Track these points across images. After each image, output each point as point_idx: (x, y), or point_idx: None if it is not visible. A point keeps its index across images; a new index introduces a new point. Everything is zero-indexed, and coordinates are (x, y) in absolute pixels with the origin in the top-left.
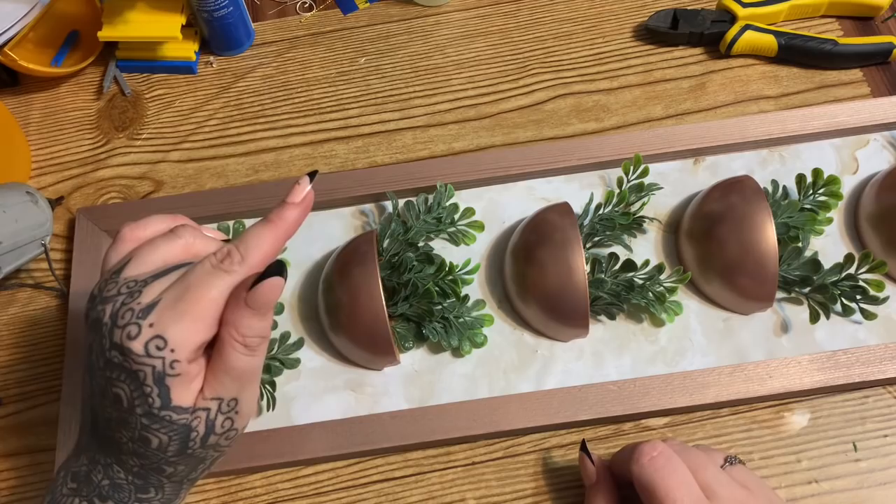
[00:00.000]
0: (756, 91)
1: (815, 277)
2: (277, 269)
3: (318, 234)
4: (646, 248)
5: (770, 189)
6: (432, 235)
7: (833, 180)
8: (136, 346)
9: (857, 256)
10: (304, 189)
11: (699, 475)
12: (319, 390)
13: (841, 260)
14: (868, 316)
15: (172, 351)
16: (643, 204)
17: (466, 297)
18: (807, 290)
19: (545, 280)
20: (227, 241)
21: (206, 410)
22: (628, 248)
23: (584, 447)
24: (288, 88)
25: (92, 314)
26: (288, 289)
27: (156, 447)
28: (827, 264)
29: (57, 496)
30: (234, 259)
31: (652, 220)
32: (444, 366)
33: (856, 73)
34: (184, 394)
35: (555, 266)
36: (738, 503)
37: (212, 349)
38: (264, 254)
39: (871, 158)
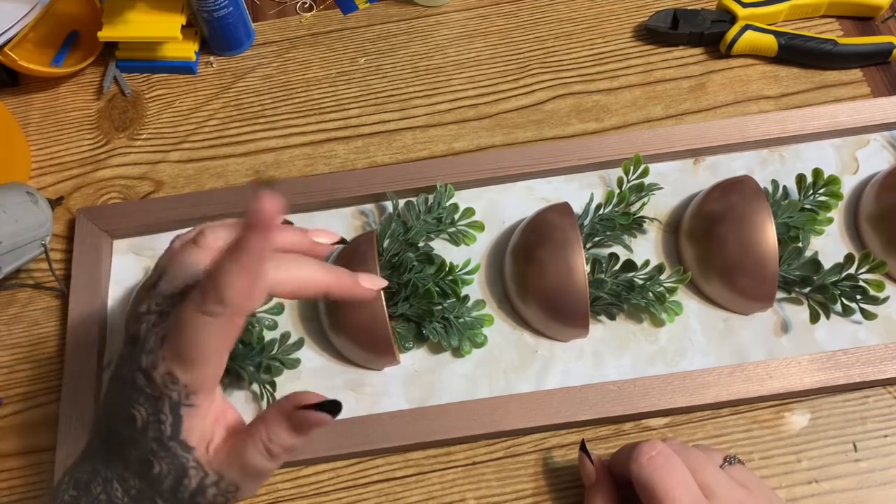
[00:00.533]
0: (756, 91)
1: (815, 277)
2: (331, 407)
3: None
4: (646, 248)
5: (770, 189)
6: (432, 235)
7: (833, 180)
8: (157, 375)
9: (857, 256)
10: (261, 206)
11: (698, 475)
12: (319, 390)
13: (841, 260)
14: (868, 316)
15: (185, 386)
16: (643, 204)
17: (466, 297)
18: (807, 290)
19: (545, 280)
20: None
21: (204, 474)
22: (628, 248)
23: (583, 447)
24: (288, 88)
25: (130, 328)
26: None
27: (156, 474)
28: (827, 264)
29: (58, 502)
30: (210, 300)
31: (652, 220)
32: (444, 366)
33: (856, 73)
34: (193, 431)
35: (555, 266)
36: (737, 503)
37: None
38: (241, 291)
39: (871, 158)
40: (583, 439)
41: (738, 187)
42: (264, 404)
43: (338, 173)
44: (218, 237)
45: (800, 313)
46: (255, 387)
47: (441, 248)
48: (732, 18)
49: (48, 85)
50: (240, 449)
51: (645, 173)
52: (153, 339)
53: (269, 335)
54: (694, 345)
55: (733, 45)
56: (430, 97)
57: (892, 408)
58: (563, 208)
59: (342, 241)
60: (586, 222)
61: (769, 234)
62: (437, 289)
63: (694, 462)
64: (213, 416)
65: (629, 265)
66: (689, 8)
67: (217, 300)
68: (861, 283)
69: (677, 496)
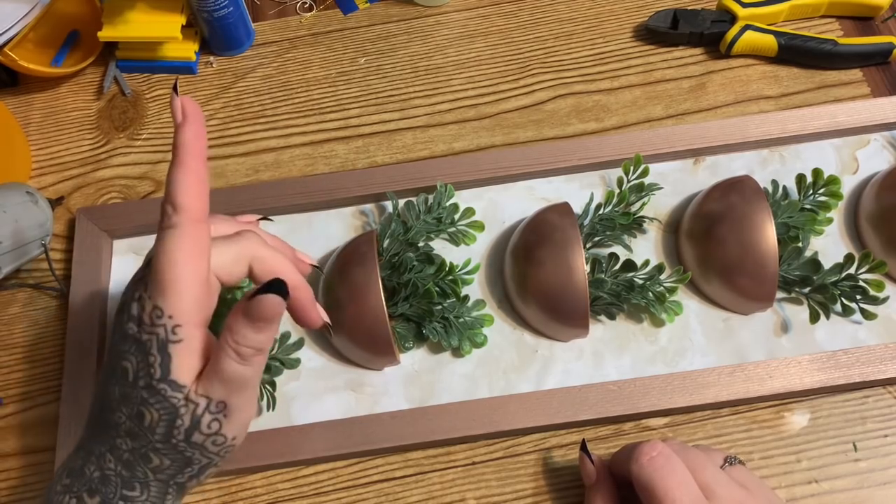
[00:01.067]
0: (756, 91)
1: (815, 277)
2: (277, 286)
3: (318, 234)
4: (646, 248)
5: (770, 189)
6: (432, 235)
7: (833, 180)
8: (145, 316)
9: (857, 256)
10: (177, 104)
11: (698, 475)
12: (319, 390)
13: (841, 260)
14: (868, 316)
15: (171, 317)
16: (643, 204)
17: (466, 297)
18: (807, 290)
19: (545, 280)
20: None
21: (194, 405)
22: (628, 248)
23: (583, 447)
24: (288, 88)
25: (125, 294)
26: None
27: (147, 424)
28: (827, 264)
29: (51, 494)
30: (168, 213)
31: (652, 220)
32: (444, 366)
33: (856, 73)
34: (182, 366)
35: (555, 266)
36: (738, 503)
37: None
38: (190, 192)
39: (872, 158)
40: (583, 439)
41: (737, 187)
42: (264, 404)
43: (338, 173)
44: (214, 219)
45: (800, 313)
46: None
47: (441, 248)
48: (732, 18)
49: (48, 85)
50: (214, 363)
51: (645, 173)
52: (141, 287)
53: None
54: (694, 345)
55: (733, 45)
56: (430, 97)
57: (892, 408)
58: (563, 208)
59: (264, 217)
60: (586, 222)
61: (769, 234)
62: (437, 289)
63: (694, 462)
64: (202, 352)
65: (629, 265)
66: (689, 8)
67: (172, 208)
68: (861, 283)
69: (678, 497)
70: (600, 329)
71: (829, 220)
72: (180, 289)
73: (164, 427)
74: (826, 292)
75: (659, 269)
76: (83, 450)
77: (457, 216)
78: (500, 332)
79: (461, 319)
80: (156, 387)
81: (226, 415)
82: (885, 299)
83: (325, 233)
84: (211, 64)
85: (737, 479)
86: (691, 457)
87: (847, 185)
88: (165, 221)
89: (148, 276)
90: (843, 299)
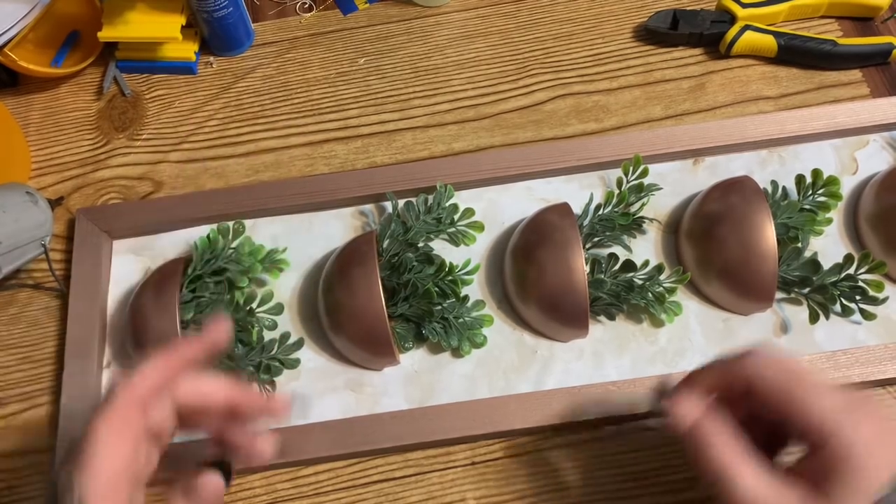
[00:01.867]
0: (756, 91)
1: (814, 278)
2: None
3: (318, 234)
4: (645, 249)
5: (769, 189)
6: (432, 236)
7: (832, 181)
8: (62, 483)
9: (856, 257)
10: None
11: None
12: (319, 390)
13: (840, 260)
14: (867, 316)
15: (79, 491)
16: (643, 204)
17: (466, 297)
18: (806, 290)
19: (545, 280)
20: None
21: None
22: (628, 248)
23: (662, 393)
24: (288, 89)
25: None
26: (288, 289)
27: None
28: (826, 265)
29: None
30: (111, 387)
31: (651, 220)
32: (443, 366)
33: (855, 74)
34: None
35: (555, 266)
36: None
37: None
38: (148, 372)
39: (871, 159)
40: (658, 384)
41: (737, 188)
42: None
43: (338, 173)
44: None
45: (799, 314)
46: (255, 387)
47: (441, 248)
48: (732, 19)
49: (48, 85)
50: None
51: (644, 174)
52: (69, 457)
53: (268, 335)
54: (694, 345)
55: (733, 46)
56: (430, 97)
57: (892, 408)
58: (563, 208)
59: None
60: (586, 222)
61: (768, 234)
62: (436, 289)
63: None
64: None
65: (629, 265)
66: (688, 8)
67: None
68: (860, 284)
69: (827, 396)
70: (600, 329)
71: (829, 221)
72: (92, 462)
73: None
74: (825, 293)
75: (658, 269)
76: None
77: (456, 216)
78: (500, 332)
79: (461, 320)
80: None
81: None
82: (885, 300)
83: (325, 233)
84: (211, 64)
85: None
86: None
87: (846, 186)
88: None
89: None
90: (842, 300)
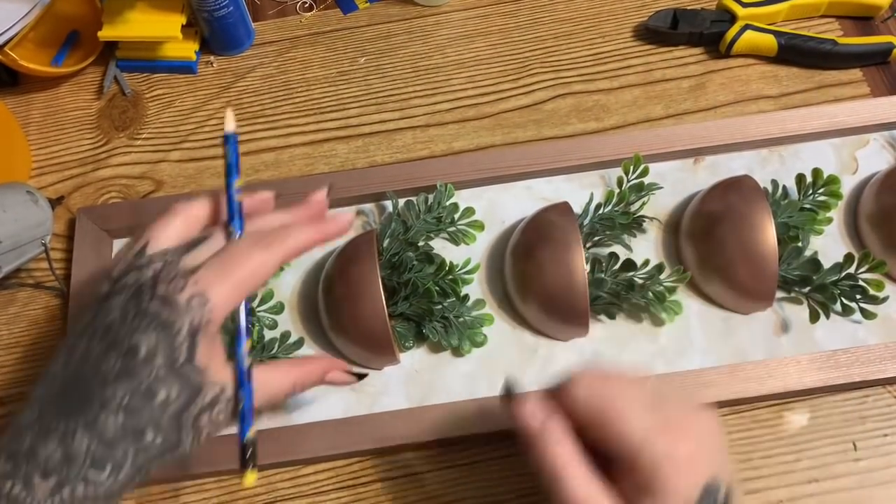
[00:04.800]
0: (756, 91)
1: (814, 277)
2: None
3: None
4: (646, 248)
5: (770, 189)
6: (432, 235)
7: (833, 180)
8: (181, 298)
9: (856, 256)
10: (350, 217)
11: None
12: (319, 390)
13: (841, 260)
14: (868, 315)
15: (210, 310)
16: (643, 204)
17: (466, 296)
18: (806, 289)
19: (545, 280)
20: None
21: (215, 391)
22: (628, 247)
23: (508, 390)
24: (288, 88)
25: (125, 280)
26: (288, 288)
27: (160, 401)
28: (827, 264)
29: None
30: (278, 240)
31: (652, 219)
32: (444, 365)
33: (855, 73)
34: (205, 356)
35: (555, 266)
36: (684, 399)
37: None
38: (301, 245)
39: (871, 158)
40: (505, 381)
41: (737, 187)
42: None
43: (338, 173)
44: (190, 204)
45: (799, 313)
46: None
47: (441, 247)
48: (732, 18)
49: (48, 85)
50: (267, 380)
51: (645, 173)
52: (174, 273)
53: (269, 334)
54: (694, 344)
55: (733, 45)
56: (430, 97)
57: (892, 407)
58: (563, 208)
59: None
60: (586, 222)
61: (769, 233)
62: (436, 288)
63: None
64: (217, 347)
65: (629, 265)
66: (688, 8)
67: (278, 243)
68: (861, 283)
69: (635, 412)
70: (600, 329)
71: (829, 220)
72: (236, 292)
73: (179, 405)
74: (826, 292)
75: (659, 268)
76: (32, 430)
77: (457, 216)
78: (500, 331)
79: (461, 319)
80: (177, 368)
81: (232, 409)
82: (885, 299)
83: None
84: (211, 64)
85: (656, 397)
86: (617, 375)
87: (846, 185)
88: (265, 244)
89: (199, 266)
90: (842, 299)
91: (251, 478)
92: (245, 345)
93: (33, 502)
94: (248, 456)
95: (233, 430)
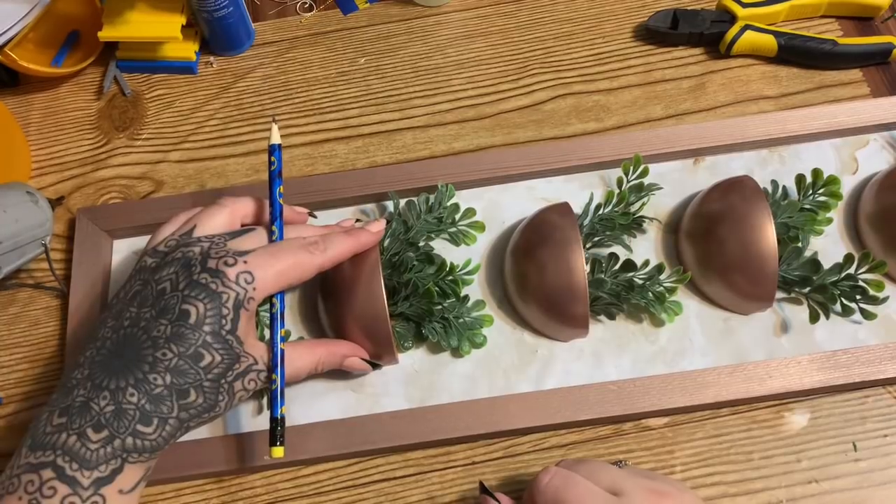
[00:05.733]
0: (756, 91)
1: (814, 277)
2: (374, 366)
3: None
4: (646, 248)
5: (770, 189)
6: (433, 235)
7: (833, 180)
8: (231, 272)
9: (856, 256)
10: (381, 225)
11: (600, 478)
12: (319, 390)
13: (841, 260)
14: (868, 316)
15: (255, 289)
16: (643, 204)
17: (466, 297)
18: (806, 290)
19: (545, 280)
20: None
21: (249, 360)
22: (628, 248)
23: (484, 489)
24: (288, 88)
25: (174, 254)
26: None
27: (205, 364)
28: (827, 264)
29: (38, 435)
30: (319, 247)
31: (652, 220)
32: (444, 366)
33: (855, 74)
34: (244, 330)
35: (555, 266)
36: (647, 488)
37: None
38: (340, 254)
39: (871, 158)
40: (480, 481)
41: (737, 187)
42: (265, 402)
43: (338, 173)
44: (236, 201)
45: (799, 313)
46: None
47: (441, 247)
48: (732, 18)
49: (48, 85)
50: (293, 358)
51: (645, 173)
52: (223, 251)
53: (269, 334)
54: (694, 345)
55: (733, 45)
56: (430, 97)
57: (892, 407)
58: (563, 208)
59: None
60: (586, 222)
61: (769, 234)
62: (437, 288)
63: (590, 470)
64: (254, 320)
65: (629, 265)
66: (689, 8)
67: (323, 249)
68: (861, 283)
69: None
70: (600, 329)
71: (829, 220)
72: (277, 279)
73: (220, 369)
74: (826, 292)
75: (659, 269)
76: (83, 387)
77: (457, 216)
78: (500, 332)
79: (461, 319)
80: (223, 336)
81: (264, 379)
82: (885, 299)
83: None
84: (211, 64)
85: (634, 471)
86: (585, 467)
87: (847, 186)
88: (313, 248)
89: (249, 251)
90: (842, 299)
91: (279, 451)
92: (280, 331)
93: (87, 452)
94: (277, 432)
95: (241, 422)
